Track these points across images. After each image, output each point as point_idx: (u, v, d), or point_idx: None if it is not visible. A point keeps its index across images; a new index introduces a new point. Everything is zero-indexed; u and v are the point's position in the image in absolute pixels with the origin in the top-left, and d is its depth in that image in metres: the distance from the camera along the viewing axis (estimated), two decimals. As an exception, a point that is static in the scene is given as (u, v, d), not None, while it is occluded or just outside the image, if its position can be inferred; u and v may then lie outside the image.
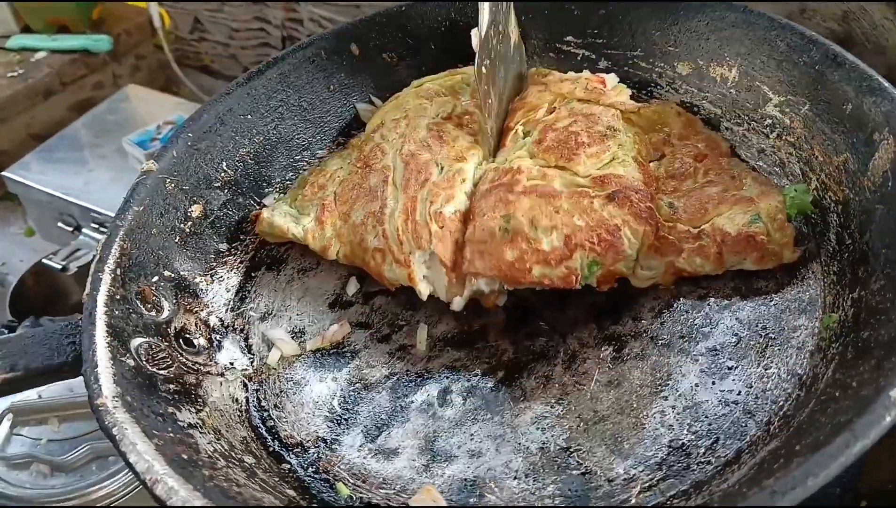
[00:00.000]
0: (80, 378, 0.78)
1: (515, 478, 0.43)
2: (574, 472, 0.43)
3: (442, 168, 0.54)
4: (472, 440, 0.46)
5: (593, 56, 0.65)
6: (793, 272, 0.49)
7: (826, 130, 0.52)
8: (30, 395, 0.81)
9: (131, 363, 0.46)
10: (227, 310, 0.55)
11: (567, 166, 0.51)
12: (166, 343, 0.49)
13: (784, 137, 0.55)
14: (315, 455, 0.46)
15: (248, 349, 0.53)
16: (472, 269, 0.50)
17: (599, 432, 0.45)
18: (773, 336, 0.47)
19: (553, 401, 0.47)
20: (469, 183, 0.54)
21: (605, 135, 0.53)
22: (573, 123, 0.54)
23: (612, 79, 0.60)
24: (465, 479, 0.44)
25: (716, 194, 0.50)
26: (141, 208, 0.53)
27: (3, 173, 1.07)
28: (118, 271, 0.49)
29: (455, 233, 0.51)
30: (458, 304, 0.51)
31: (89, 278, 0.49)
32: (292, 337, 0.54)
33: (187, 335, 0.52)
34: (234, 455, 0.45)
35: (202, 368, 0.50)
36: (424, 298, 0.52)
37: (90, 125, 1.13)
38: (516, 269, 0.48)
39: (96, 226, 0.99)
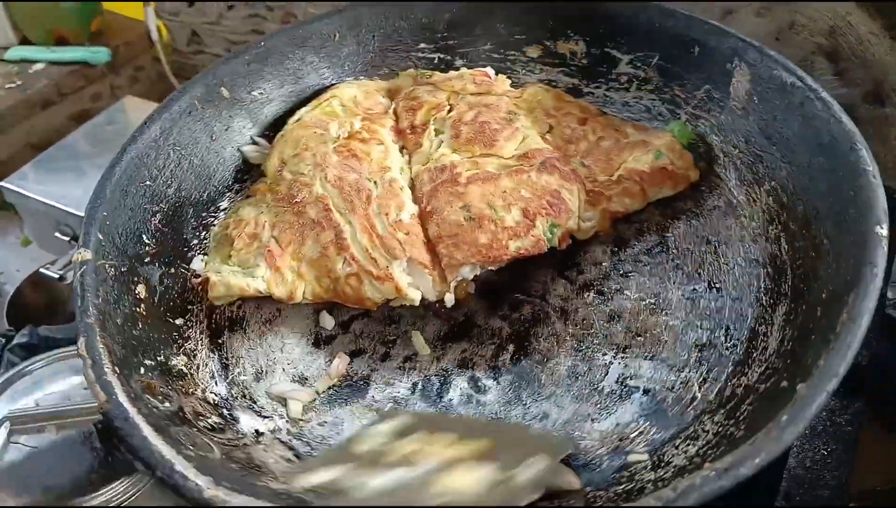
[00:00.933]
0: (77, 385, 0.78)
1: (594, 420, 0.47)
2: (637, 395, 0.48)
3: (375, 182, 0.56)
4: (529, 410, 0.49)
5: (449, 57, 0.69)
6: (702, 189, 0.58)
7: (680, 72, 0.61)
8: (27, 403, 0.81)
9: (191, 453, 0.43)
10: (217, 383, 0.53)
11: (491, 152, 0.56)
12: (195, 430, 0.47)
13: (643, 88, 0.64)
14: None
15: (261, 412, 0.51)
16: (454, 261, 0.52)
17: (632, 357, 0.50)
18: (716, 240, 0.55)
19: (573, 351, 0.51)
20: (406, 187, 0.56)
21: (510, 119, 0.59)
22: (479, 115, 0.59)
23: (490, 71, 0.66)
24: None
25: (612, 145, 0.58)
26: (99, 301, 0.49)
27: (0, 184, 1.08)
28: (116, 370, 0.46)
29: (419, 235, 0.54)
30: (449, 299, 0.53)
31: (97, 383, 0.45)
32: (300, 384, 0.53)
33: (201, 418, 0.49)
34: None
35: (238, 442, 0.48)
36: (417, 303, 0.53)
37: (88, 136, 1.14)
38: (494, 249, 0.52)
39: (94, 236, 1.00)
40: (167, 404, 0.47)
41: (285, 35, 0.66)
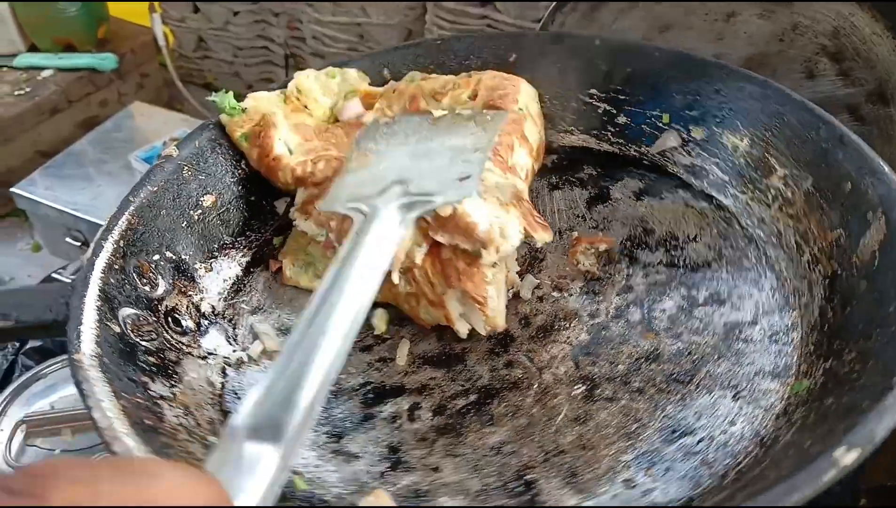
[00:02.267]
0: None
1: (467, 496, 0.44)
2: (525, 498, 0.44)
3: None
4: (431, 455, 0.47)
5: (613, 111, 0.65)
6: (773, 340, 0.51)
7: (824, 205, 0.54)
8: (43, 407, 0.82)
9: (116, 329, 0.47)
10: (220, 299, 0.56)
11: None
12: (154, 318, 0.51)
13: (784, 210, 0.57)
14: None
15: (235, 338, 0.54)
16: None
17: (557, 464, 0.46)
18: (743, 396, 0.48)
19: (518, 430, 0.48)
20: None
21: None
22: None
23: None
24: (419, 490, 0.45)
25: None
26: (154, 189, 0.54)
27: (11, 190, 1.09)
28: (121, 243, 0.51)
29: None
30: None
31: (91, 245, 0.50)
32: (277, 334, 0.54)
33: (176, 316, 0.53)
34: (197, 432, 0.46)
35: (185, 348, 0.51)
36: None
37: (96, 142, 1.15)
38: None
39: (105, 241, 1.01)
40: (147, 288, 0.51)
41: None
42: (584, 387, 0.49)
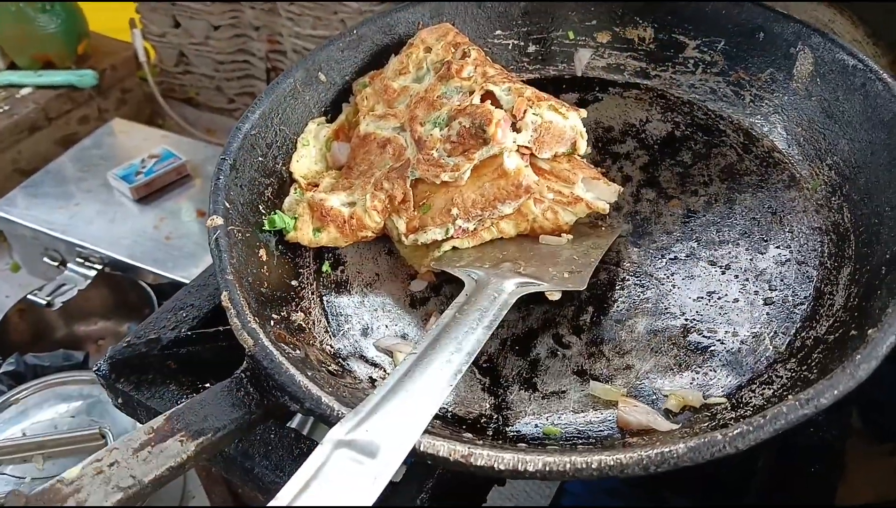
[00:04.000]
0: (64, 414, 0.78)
1: (673, 371, 0.52)
2: (712, 348, 0.53)
3: None
4: (612, 362, 0.54)
5: (522, 43, 0.72)
6: (766, 164, 0.62)
7: (745, 56, 0.65)
8: (13, 433, 0.81)
9: (329, 389, 0.46)
10: (330, 337, 0.57)
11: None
12: (321, 373, 0.51)
13: (709, 71, 0.67)
14: (496, 425, 0.50)
15: (371, 362, 0.55)
16: None
17: (706, 315, 0.55)
18: (781, 210, 0.59)
19: (650, 312, 0.56)
20: None
21: None
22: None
23: None
24: (637, 386, 0.52)
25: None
26: (234, 260, 0.53)
27: (-12, 210, 1.07)
28: (256, 319, 0.49)
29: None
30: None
31: (243, 330, 0.47)
32: (402, 341, 0.56)
33: (323, 365, 0.53)
34: None
35: (357, 386, 0.52)
36: (607, 210, 0.60)
37: (76, 159, 1.13)
38: None
39: (81, 260, 1.00)
40: (297, 351, 0.51)
41: (374, 24, 0.70)
42: (664, 259, 0.59)
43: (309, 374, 0.46)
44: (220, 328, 0.59)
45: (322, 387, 0.45)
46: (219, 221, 0.54)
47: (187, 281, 0.94)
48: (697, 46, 0.68)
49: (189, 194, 1.07)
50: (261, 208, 0.60)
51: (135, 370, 0.57)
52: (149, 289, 0.97)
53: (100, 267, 0.99)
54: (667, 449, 0.40)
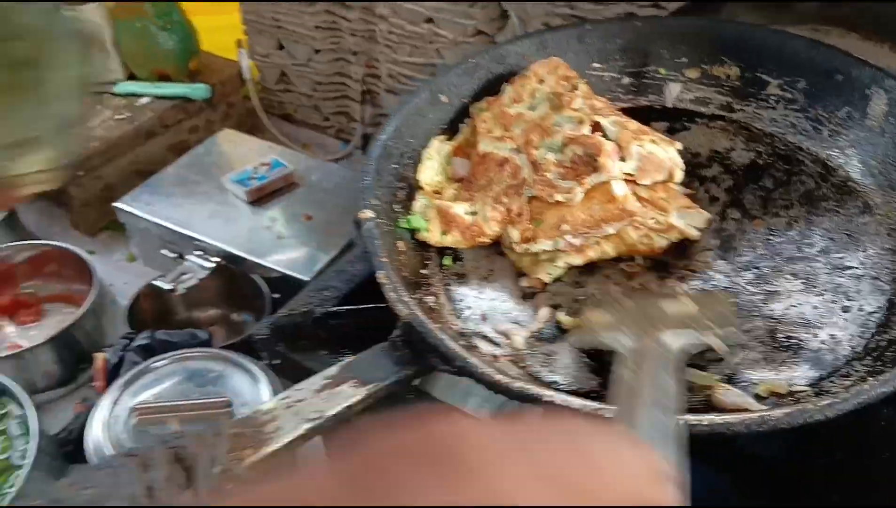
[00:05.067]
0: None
1: (761, 364, 0.60)
2: (800, 347, 0.60)
3: None
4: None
5: (616, 75, 0.82)
6: (842, 192, 0.70)
7: (823, 95, 0.73)
8: (148, 397, 0.92)
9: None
10: (455, 319, 0.65)
11: None
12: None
13: (789, 107, 0.76)
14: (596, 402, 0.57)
15: (493, 341, 0.64)
16: None
17: (789, 320, 0.63)
18: (855, 232, 0.67)
19: (738, 312, 0.64)
20: None
21: None
22: None
23: None
24: None
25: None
26: (385, 252, 0.63)
27: (114, 204, 1.20)
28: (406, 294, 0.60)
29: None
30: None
31: (398, 302, 0.58)
32: (516, 326, 0.66)
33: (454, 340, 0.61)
34: None
35: (485, 358, 0.60)
36: (698, 236, 0.69)
37: (190, 165, 1.26)
38: None
39: (199, 253, 1.11)
40: (437, 324, 0.59)
41: (488, 54, 0.80)
42: (751, 272, 0.67)
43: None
44: (360, 307, 0.70)
45: (466, 349, 0.55)
46: (370, 214, 0.65)
47: (297, 275, 1.06)
48: (779, 85, 0.76)
49: (296, 199, 1.19)
50: (394, 207, 0.71)
51: (290, 336, 0.67)
52: (261, 282, 1.08)
53: (217, 260, 1.10)
54: (767, 414, 0.48)
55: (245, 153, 1.29)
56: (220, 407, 0.89)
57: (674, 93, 0.81)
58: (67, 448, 0.95)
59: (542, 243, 0.67)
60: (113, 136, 1.32)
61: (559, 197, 0.68)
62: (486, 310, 0.67)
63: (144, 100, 1.40)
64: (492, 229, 0.69)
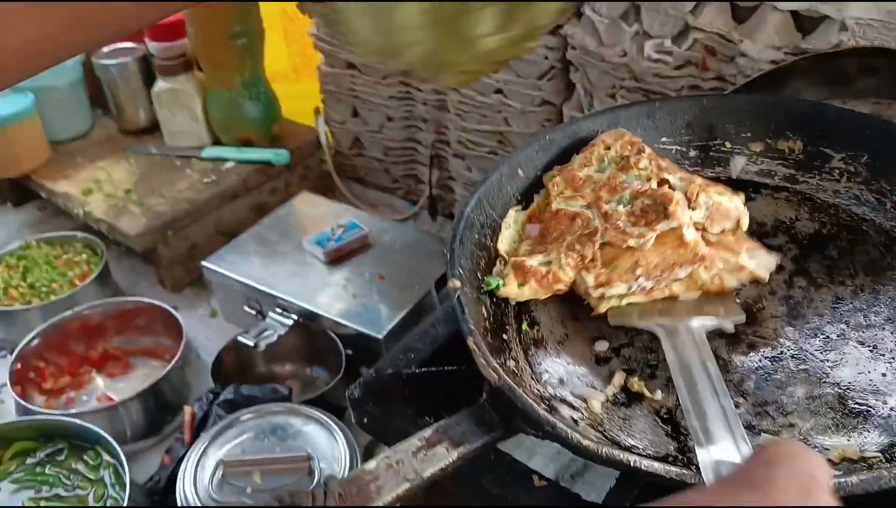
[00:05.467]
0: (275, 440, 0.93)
1: (831, 430, 0.62)
2: (869, 413, 0.62)
3: None
4: (776, 421, 0.64)
5: (684, 149, 0.85)
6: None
7: (885, 167, 0.74)
8: (235, 451, 0.97)
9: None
10: (535, 383, 0.68)
11: None
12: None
13: (853, 180, 0.78)
14: (681, 465, 0.60)
15: (572, 405, 0.67)
16: None
17: (859, 385, 0.65)
18: None
19: (805, 381, 0.67)
20: None
21: None
22: None
23: None
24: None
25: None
26: (472, 316, 0.66)
27: (202, 263, 1.27)
28: (493, 361, 0.62)
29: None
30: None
31: (488, 367, 0.60)
32: (589, 386, 0.69)
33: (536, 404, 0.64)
34: None
35: (566, 422, 0.63)
36: (767, 277, 0.72)
37: (272, 226, 1.33)
38: None
39: (280, 310, 1.17)
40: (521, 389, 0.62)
41: (562, 131, 0.85)
42: (819, 339, 0.69)
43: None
44: (445, 368, 0.73)
45: (553, 415, 0.58)
46: (458, 283, 0.68)
47: (370, 333, 1.10)
48: (843, 159, 0.78)
49: (369, 259, 1.24)
50: (478, 274, 0.74)
51: (378, 395, 0.71)
52: (336, 338, 1.13)
53: (295, 317, 1.16)
54: (843, 480, 0.50)
55: (321, 214, 1.36)
56: (300, 461, 0.94)
57: (739, 165, 0.84)
58: (154, 498, 1.01)
59: (617, 286, 0.70)
60: (199, 198, 1.41)
61: (632, 242, 0.71)
62: (563, 374, 0.70)
63: (229, 164, 1.49)
64: (567, 275, 0.72)
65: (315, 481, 0.90)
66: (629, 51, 1.07)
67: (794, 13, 0.96)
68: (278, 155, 1.48)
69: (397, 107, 1.44)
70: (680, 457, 0.62)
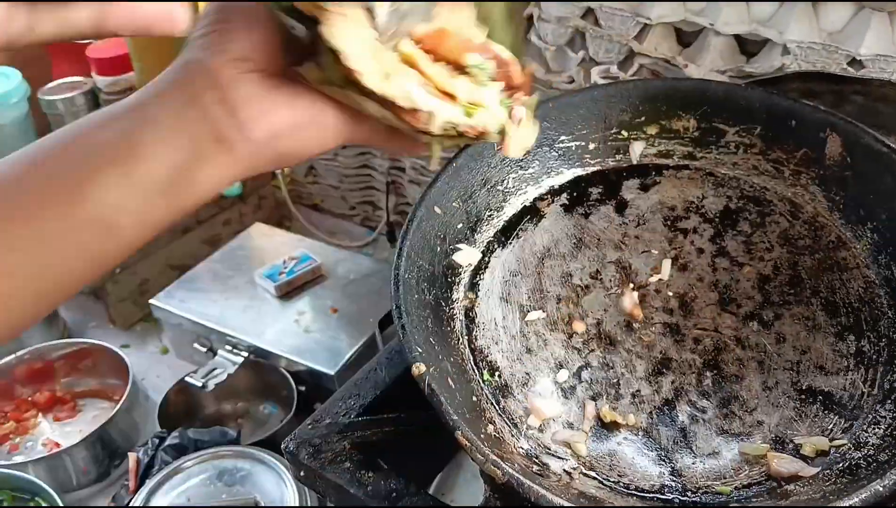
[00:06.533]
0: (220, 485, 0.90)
1: (797, 421, 0.63)
2: (821, 397, 0.64)
3: None
4: (745, 420, 0.65)
5: (583, 143, 0.82)
6: (815, 227, 0.72)
7: (781, 137, 0.74)
8: (181, 498, 0.93)
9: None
10: (517, 439, 0.66)
11: None
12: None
13: (749, 151, 0.77)
14: (679, 493, 0.62)
15: (557, 455, 0.66)
16: None
17: (806, 369, 0.66)
18: (838, 269, 0.69)
19: (758, 370, 0.69)
20: None
21: None
22: None
23: None
24: None
25: None
26: (448, 397, 0.61)
27: (150, 301, 1.24)
28: (487, 448, 0.58)
29: None
30: None
31: (489, 463, 0.55)
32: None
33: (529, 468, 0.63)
34: None
35: (561, 481, 0.62)
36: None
37: (223, 259, 1.30)
38: None
39: (230, 348, 1.14)
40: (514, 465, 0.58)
41: (466, 154, 0.79)
42: (756, 321, 0.69)
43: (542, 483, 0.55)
44: (385, 416, 0.71)
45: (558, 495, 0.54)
46: (423, 367, 0.60)
47: (322, 369, 1.08)
48: (736, 132, 0.78)
49: (323, 292, 1.22)
50: (431, 339, 0.66)
51: (315, 448, 0.69)
52: (287, 375, 1.11)
53: (245, 354, 1.13)
54: (841, 505, 0.50)
55: (276, 246, 1.33)
56: (247, 506, 0.91)
57: (638, 150, 0.83)
58: (99, 548, 0.97)
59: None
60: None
61: None
62: (538, 421, 0.68)
63: (180, 196, 1.45)
64: None
65: (261, 530, 0.87)
66: (576, 77, 1.07)
67: (738, 37, 0.96)
68: (231, 189, 1.45)
69: (350, 134, 1.42)
70: (675, 485, 0.62)
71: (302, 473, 0.68)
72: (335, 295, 1.21)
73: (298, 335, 1.14)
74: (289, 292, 1.21)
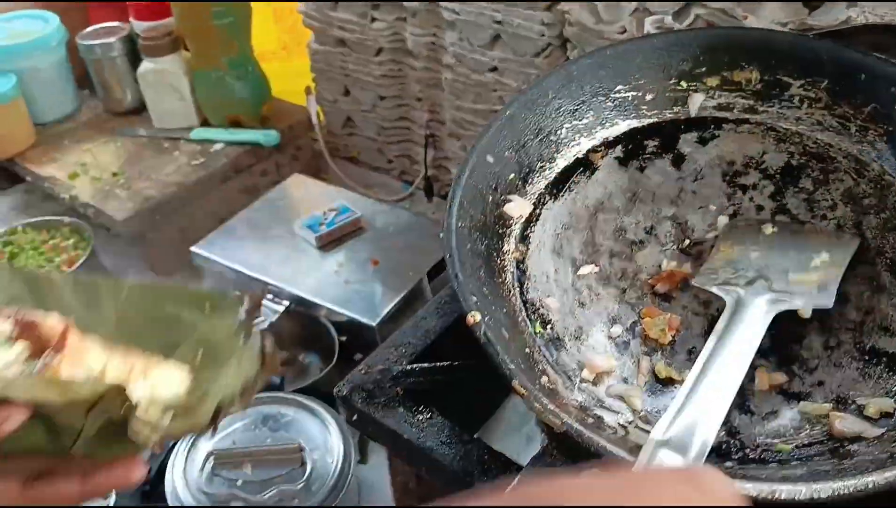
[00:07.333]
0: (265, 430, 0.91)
1: (858, 381, 0.63)
2: (888, 356, 0.64)
3: None
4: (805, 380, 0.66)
5: (640, 94, 0.79)
6: (881, 185, 0.70)
7: (848, 92, 0.71)
8: (226, 442, 0.95)
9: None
10: (572, 392, 0.66)
11: None
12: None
13: (814, 106, 0.73)
14: (736, 449, 0.62)
15: (612, 409, 0.66)
16: None
17: (869, 326, 0.65)
18: None
19: (818, 326, 0.67)
20: None
21: None
22: None
23: None
24: None
25: None
26: (510, 362, 0.59)
27: (191, 249, 1.25)
28: (547, 399, 0.58)
29: None
30: None
31: (547, 414, 0.55)
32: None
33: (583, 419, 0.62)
34: None
35: (615, 435, 0.62)
36: None
37: (262, 209, 1.30)
38: None
39: (271, 297, 1.14)
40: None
41: (518, 102, 0.79)
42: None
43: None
44: (437, 364, 0.71)
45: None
46: (478, 316, 0.60)
47: (364, 320, 1.08)
48: (801, 85, 0.75)
49: (362, 244, 1.22)
50: (484, 289, 0.66)
51: (368, 393, 0.69)
52: (329, 324, 1.11)
53: (287, 303, 1.13)
54: None
55: (314, 197, 1.33)
56: (291, 453, 0.92)
57: (697, 102, 0.79)
58: (144, 489, 0.99)
59: None
60: (188, 181, 1.38)
61: None
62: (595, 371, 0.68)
63: (218, 146, 1.45)
64: None
65: (306, 473, 0.89)
66: (629, 27, 1.04)
67: (802, -13, 0.92)
68: (268, 136, 1.44)
69: (389, 85, 1.41)
70: (732, 442, 0.62)
71: (355, 417, 0.68)
72: (375, 247, 1.21)
73: (339, 285, 1.14)
74: (329, 242, 1.21)
